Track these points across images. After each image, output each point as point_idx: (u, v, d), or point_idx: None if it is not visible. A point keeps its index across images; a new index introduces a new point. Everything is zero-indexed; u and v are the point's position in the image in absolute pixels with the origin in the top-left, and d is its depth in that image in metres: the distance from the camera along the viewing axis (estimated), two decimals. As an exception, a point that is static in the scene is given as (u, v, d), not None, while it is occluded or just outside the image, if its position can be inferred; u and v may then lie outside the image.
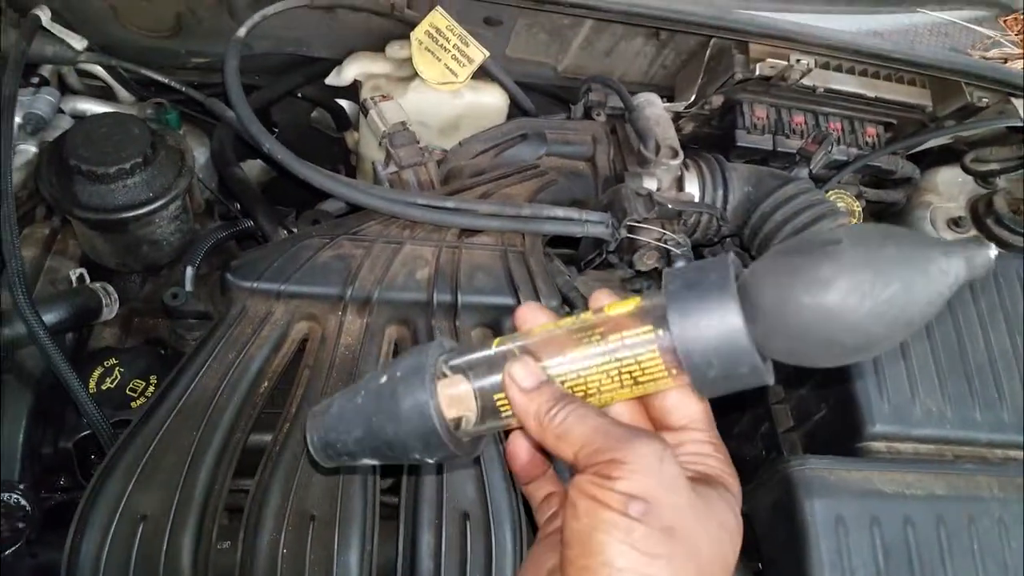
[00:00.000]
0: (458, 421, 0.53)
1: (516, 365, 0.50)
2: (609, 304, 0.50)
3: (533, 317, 0.55)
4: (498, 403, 0.52)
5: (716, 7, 1.13)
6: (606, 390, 0.49)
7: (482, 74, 1.22)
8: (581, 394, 0.50)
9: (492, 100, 1.26)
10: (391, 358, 0.95)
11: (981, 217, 1.44)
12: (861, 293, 0.41)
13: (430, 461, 0.53)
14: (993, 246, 0.41)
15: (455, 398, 0.52)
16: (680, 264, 0.48)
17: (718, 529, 0.46)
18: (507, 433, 0.57)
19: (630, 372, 0.48)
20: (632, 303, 0.49)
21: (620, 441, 0.46)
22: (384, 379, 0.52)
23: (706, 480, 0.49)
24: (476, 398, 0.52)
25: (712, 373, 0.45)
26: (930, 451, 1.03)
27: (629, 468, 0.44)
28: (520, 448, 0.56)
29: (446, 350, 0.54)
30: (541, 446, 0.52)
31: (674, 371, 0.47)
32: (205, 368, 0.85)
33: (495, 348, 0.52)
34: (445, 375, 0.53)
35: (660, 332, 0.46)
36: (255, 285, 0.91)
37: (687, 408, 0.52)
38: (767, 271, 0.45)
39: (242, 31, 1.06)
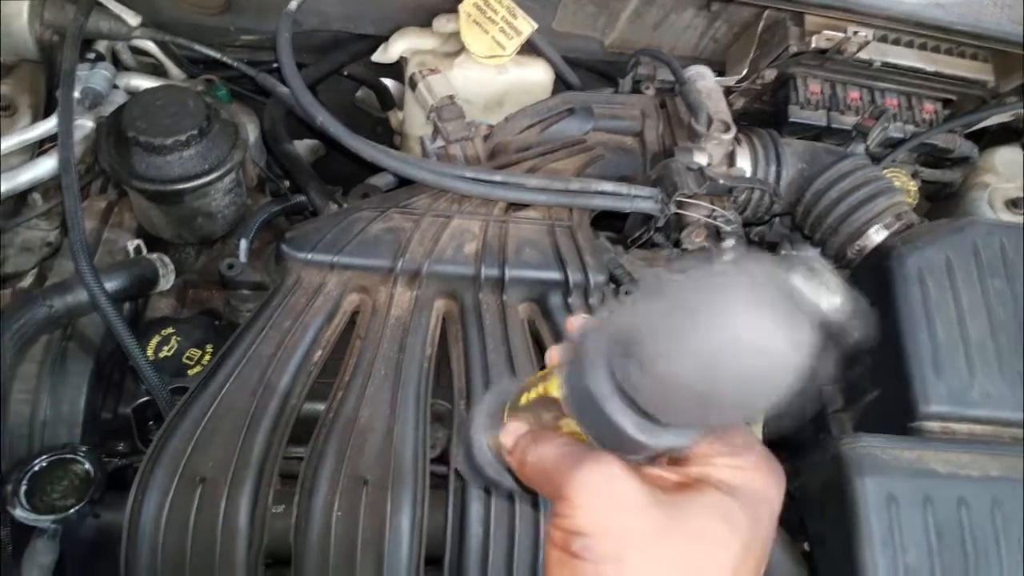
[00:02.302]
0: None
1: (501, 433, 0.51)
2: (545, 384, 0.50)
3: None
4: None
5: (771, -22, 1.10)
6: None
7: (527, 49, 1.21)
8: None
9: (537, 75, 1.25)
10: (438, 331, 0.96)
11: (1041, 197, 1.39)
12: (684, 407, 0.38)
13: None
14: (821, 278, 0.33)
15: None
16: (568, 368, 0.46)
17: (688, 541, 0.43)
18: None
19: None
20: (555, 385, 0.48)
21: (565, 473, 0.44)
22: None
23: (693, 485, 0.45)
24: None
25: (634, 459, 0.45)
26: (986, 432, 1.00)
27: (571, 504, 0.43)
28: None
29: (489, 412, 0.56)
30: None
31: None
32: (262, 336, 0.87)
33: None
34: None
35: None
36: (309, 256, 0.92)
37: None
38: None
39: (293, 4, 1.07)
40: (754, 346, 0.34)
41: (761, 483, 0.45)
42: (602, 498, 0.43)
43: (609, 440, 0.43)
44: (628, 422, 0.41)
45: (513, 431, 0.50)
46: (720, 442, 0.46)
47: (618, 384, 0.41)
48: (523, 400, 0.52)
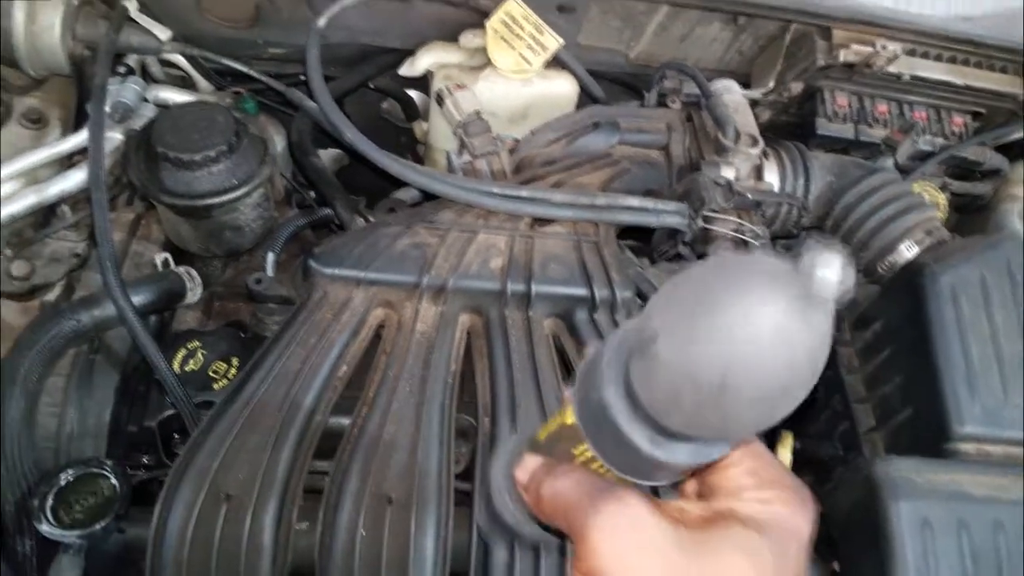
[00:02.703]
0: None
1: (518, 468, 0.50)
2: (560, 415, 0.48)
3: None
4: None
5: (800, -9, 1.10)
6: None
7: (552, 62, 1.21)
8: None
9: (562, 89, 1.25)
10: (463, 347, 0.95)
11: (1075, 212, 1.37)
12: (697, 404, 0.35)
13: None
14: (834, 259, 0.31)
15: None
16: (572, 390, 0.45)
17: None
18: None
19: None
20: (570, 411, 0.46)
21: (584, 511, 0.43)
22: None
23: (718, 521, 0.44)
24: None
25: (654, 484, 0.43)
26: (1021, 454, 0.98)
27: (590, 545, 0.42)
28: None
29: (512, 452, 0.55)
30: None
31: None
32: (288, 351, 0.87)
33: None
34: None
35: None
36: (337, 272, 0.92)
37: None
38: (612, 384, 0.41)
39: (322, 21, 1.07)
40: (771, 327, 0.32)
41: (790, 517, 0.44)
42: (622, 540, 0.42)
43: (623, 460, 0.42)
44: (641, 436, 0.40)
45: (528, 465, 0.49)
46: (748, 475, 0.45)
47: (632, 397, 0.39)
48: (541, 436, 0.50)
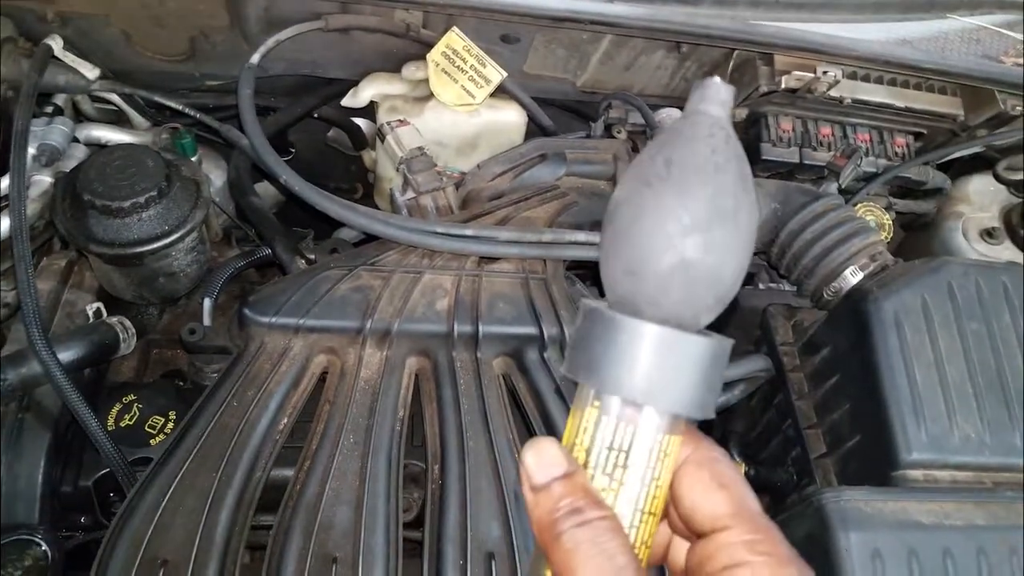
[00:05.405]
0: None
1: (529, 451, 0.39)
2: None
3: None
4: None
5: (740, 20, 1.10)
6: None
7: (500, 91, 1.20)
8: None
9: (510, 118, 1.24)
10: (411, 392, 0.93)
11: (1015, 227, 1.40)
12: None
13: None
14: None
15: None
16: None
17: None
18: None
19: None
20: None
21: None
22: None
23: None
24: None
25: (593, 353, 0.39)
26: (969, 479, 0.99)
27: None
28: None
29: None
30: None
31: (591, 399, 0.40)
32: (223, 407, 0.84)
33: None
34: None
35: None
36: (273, 320, 0.89)
37: (707, 505, 0.41)
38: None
39: (255, 57, 1.04)
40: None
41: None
42: None
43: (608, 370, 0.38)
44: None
45: (548, 462, 0.39)
46: (743, 544, 0.40)
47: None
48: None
